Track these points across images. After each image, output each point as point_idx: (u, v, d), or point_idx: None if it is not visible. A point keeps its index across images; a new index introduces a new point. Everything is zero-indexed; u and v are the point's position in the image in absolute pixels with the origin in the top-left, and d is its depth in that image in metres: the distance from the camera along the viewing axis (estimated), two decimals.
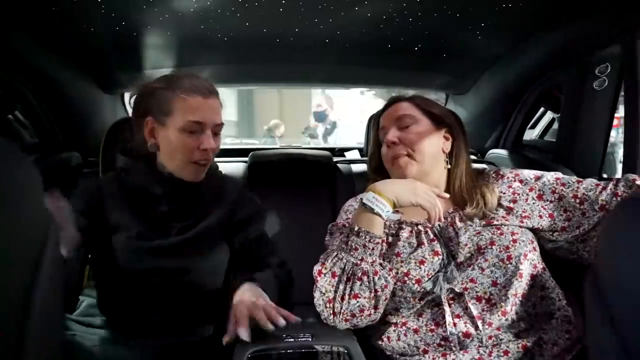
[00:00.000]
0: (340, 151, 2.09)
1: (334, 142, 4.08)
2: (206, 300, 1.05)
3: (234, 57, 1.58)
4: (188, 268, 1.03)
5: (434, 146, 1.08)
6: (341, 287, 0.92)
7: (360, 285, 0.92)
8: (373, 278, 0.93)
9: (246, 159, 1.68)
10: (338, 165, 1.68)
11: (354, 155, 2.06)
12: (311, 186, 1.60)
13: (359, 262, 0.93)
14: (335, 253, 0.95)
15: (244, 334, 0.82)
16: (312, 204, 1.54)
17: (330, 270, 0.94)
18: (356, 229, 0.95)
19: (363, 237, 0.94)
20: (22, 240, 0.32)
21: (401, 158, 1.06)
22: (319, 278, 0.95)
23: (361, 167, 1.66)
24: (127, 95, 2.02)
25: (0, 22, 1.18)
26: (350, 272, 0.92)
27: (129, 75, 1.72)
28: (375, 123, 1.19)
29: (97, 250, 1.05)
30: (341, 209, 1.18)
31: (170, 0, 1.15)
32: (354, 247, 0.94)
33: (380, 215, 0.95)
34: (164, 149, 1.04)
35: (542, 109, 1.83)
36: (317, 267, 0.97)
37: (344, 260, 0.93)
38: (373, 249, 0.94)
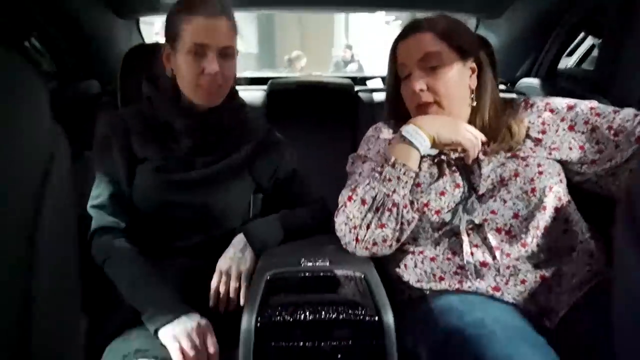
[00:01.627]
0: (362, 80, 2.02)
1: None
2: (226, 235, 1.07)
3: None
4: (210, 203, 1.04)
5: (462, 87, 1.00)
6: (369, 215, 0.92)
7: (389, 216, 0.92)
8: (402, 211, 0.92)
9: (265, 87, 1.64)
10: (359, 94, 1.63)
11: (376, 84, 1.99)
12: (331, 115, 1.56)
13: (390, 193, 0.92)
14: (368, 181, 0.95)
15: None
16: (333, 132, 1.52)
17: (360, 197, 0.93)
18: (392, 160, 0.94)
19: (398, 169, 0.93)
20: (25, 159, 0.31)
21: (430, 107, 0.99)
22: (348, 203, 0.94)
23: (383, 96, 1.61)
24: (142, 21, 1.96)
25: None
26: (381, 202, 0.92)
27: None
28: (391, 53, 1.07)
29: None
30: (362, 139, 1.15)
31: None
32: (387, 178, 0.93)
33: (418, 149, 0.94)
34: (177, 74, 1.02)
35: (581, 35, 1.70)
36: (346, 192, 0.96)
37: (376, 190, 0.93)
38: (406, 182, 0.93)
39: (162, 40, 1.08)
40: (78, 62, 1.64)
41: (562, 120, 0.99)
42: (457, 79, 0.99)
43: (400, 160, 0.93)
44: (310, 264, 0.89)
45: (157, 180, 1.01)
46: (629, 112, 0.95)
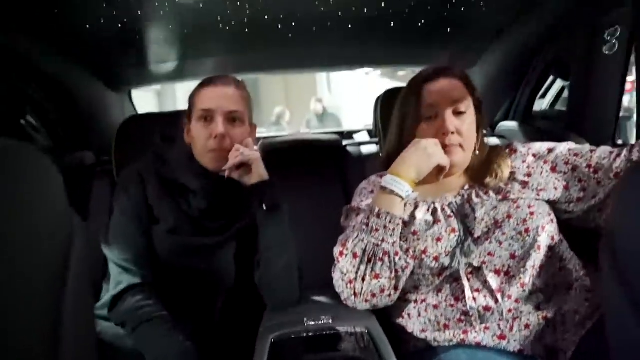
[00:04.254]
0: (349, 134, 2.09)
1: None
2: (236, 300, 1.07)
3: (237, 47, 1.58)
4: (218, 270, 1.05)
5: (475, 134, 1.06)
6: (362, 267, 0.93)
7: (382, 265, 0.93)
8: (394, 258, 0.94)
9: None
10: (347, 148, 1.68)
11: (362, 137, 2.05)
12: (322, 170, 1.60)
13: (379, 242, 0.94)
14: (356, 234, 0.96)
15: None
16: (324, 187, 1.55)
17: (351, 251, 0.95)
18: (376, 210, 0.96)
19: (384, 218, 0.95)
20: (48, 243, 0.33)
21: (454, 148, 1.01)
22: (340, 259, 0.96)
23: (370, 149, 1.66)
24: (134, 92, 2.03)
25: (4, 28, 1.19)
26: (372, 252, 0.93)
27: (134, 71, 1.73)
28: (415, 93, 1.06)
29: None
30: (355, 192, 1.17)
31: None
32: (374, 228, 0.95)
33: (400, 196, 0.96)
34: (192, 142, 1.08)
35: (551, 78, 1.80)
36: (337, 249, 0.98)
37: (365, 242, 0.94)
38: (394, 229, 0.95)
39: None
40: (73, 134, 1.68)
41: (545, 162, 1.03)
42: (474, 126, 1.05)
43: (385, 209, 0.96)
44: (313, 322, 0.88)
45: (169, 243, 1.02)
46: (604, 149, 1.00)
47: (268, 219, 1.02)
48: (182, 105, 1.14)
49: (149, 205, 1.05)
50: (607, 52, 1.31)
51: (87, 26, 1.27)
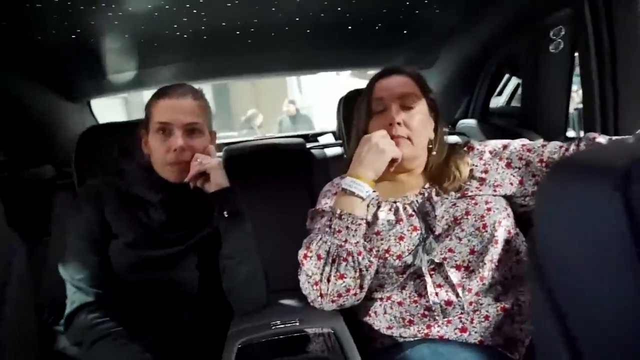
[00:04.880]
0: (314, 136, 2.10)
1: None
2: (202, 308, 1.06)
3: (196, 54, 1.57)
4: (182, 280, 1.04)
5: (427, 131, 1.08)
6: (327, 268, 0.94)
7: (346, 265, 0.94)
8: (357, 258, 0.95)
9: (221, 153, 1.68)
10: (312, 151, 1.69)
11: (327, 139, 2.07)
12: (287, 174, 1.61)
13: (343, 243, 0.95)
14: (320, 236, 0.97)
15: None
16: (290, 191, 1.55)
17: (315, 253, 0.96)
18: (338, 212, 0.98)
19: (345, 220, 0.97)
20: None
21: (401, 139, 1.04)
22: (304, 261, 0.97)
23: (335, 151, 1.67)
24: (99, 102, 1.99)
25: None
26: (335, 253, 0.95)
27: (92, 81, 1.70)
28: (368, 90, 1.11)
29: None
30: (319, 194, 1.19)
31: (122, 3, 1.13)
32: (337, 229, 0.96)
33: (360, 197, 0.98)
34: (150, 154, 1.07)
35: (507, 76, 1.86)
36: (302, 251, 0.99)
37: (329, 243, 0.96)
38: (356, 230, 0.97)
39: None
40: (31, 148, 1.63)
41: (500, 159, 1.07)
42: (426, 123, 1.08)
43: (346, 210, 0.98)
44: (280, 325, 0.90)
45: (130, 257, 1.01)
46: (555, 144, 1.04)
47: (229, 227, 1.02)
48: None
49: (106, 221, 1.03)
50: (553, 50, 1.37)
51: (39, 37, 1.23)
